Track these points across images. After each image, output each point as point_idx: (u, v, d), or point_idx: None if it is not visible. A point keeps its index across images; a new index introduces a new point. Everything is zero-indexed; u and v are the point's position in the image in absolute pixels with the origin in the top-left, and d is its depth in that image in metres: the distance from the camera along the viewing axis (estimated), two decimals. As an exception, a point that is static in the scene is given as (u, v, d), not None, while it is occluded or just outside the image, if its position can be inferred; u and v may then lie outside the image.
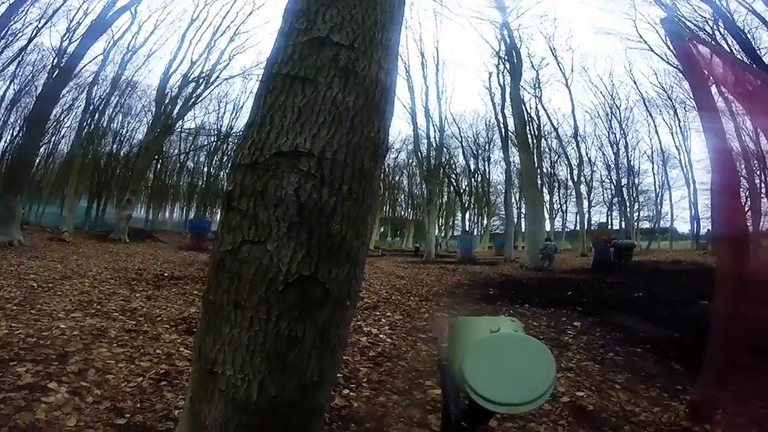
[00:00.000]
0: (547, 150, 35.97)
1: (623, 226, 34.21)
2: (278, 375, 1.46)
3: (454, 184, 41.72)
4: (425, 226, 25.43)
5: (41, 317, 4.70)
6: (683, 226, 39.10)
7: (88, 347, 3.83)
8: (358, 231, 1.56)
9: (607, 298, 7.59)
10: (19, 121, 25.19)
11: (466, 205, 42.89)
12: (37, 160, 23.39)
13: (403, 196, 50.23)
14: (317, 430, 1.79)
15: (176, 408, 2.81)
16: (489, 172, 42.44)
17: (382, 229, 47.61)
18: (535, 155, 25.48)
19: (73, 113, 26.50)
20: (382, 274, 12.53)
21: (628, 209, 35.69)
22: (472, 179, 42.70)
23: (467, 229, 40.50)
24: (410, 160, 41.53)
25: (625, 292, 8.29)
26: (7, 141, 26.68)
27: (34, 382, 2.98)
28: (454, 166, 41.16)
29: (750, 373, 3.20)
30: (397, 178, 47.18)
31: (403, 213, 51.79)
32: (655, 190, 37.48)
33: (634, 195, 37.02)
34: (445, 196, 43.48)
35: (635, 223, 37.00)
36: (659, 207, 37.70)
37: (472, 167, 42.02)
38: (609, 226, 32.13)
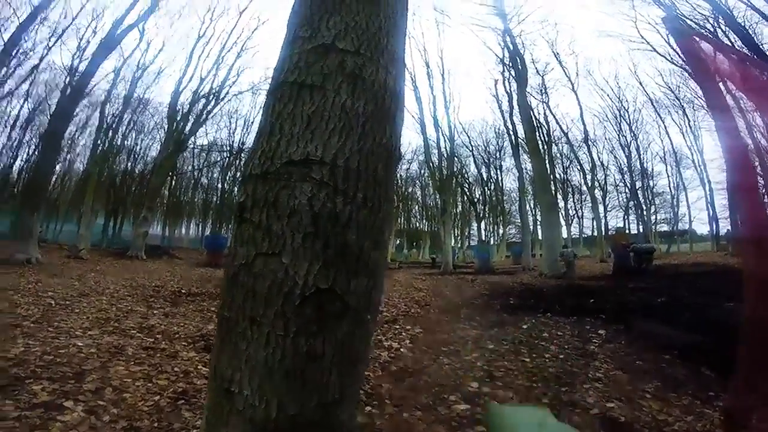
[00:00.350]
0: (558, 155, 35.71)
1: (641, 229, 33.73)
2: (298, 393, 1.40)
3: (468, 193, 41.57)
4: (441, 237, 25.29)
5: (58, 335, 4.70)
6: (702, 227, 38.55)
7: (105, 365, 3.81)
8: (376, 241, 1.51)
9: (630, 304, 7.37)
10: (34, 140, 25.78)
11: (481, 214, 42.54)
12: (54, 179, 23.82)
13: (417, 207, 50.19)
14: None
15: (194, 427, 2.78)
16: (502, 179, 42.22)
17: (398, 241, 47.60)
18: (546, 161, 25.34)
19: (88, 131, 27.09)
20: (400, 286, 12.42)
21: (644, 212, 35.19)
22: (486, 188, 42.48)
23: (483, 238, 40.25)
24: (422, 171, 41.49)
25: (648, 298, 8.04)
26: (24, 160, 27.40)
27: (50, 400, 2.95)
28: (466, 175, 41.06)
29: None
30: (410, 189, 47.19)
31: (417, 224, 51.75)
32: (671, 191, 36.85)
33: (650, 197, 36.45)
34: (459, 206, 43.36)
35: (653, 227, 36.48)
36: (676, 209, 37.07)
37: (485, 176, 41.80)
38: (627, 231, 31.73)
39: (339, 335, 1.41)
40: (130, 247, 20.55)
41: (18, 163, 26.34)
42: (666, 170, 36.43)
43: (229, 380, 1.43)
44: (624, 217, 38.81)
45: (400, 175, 40.64)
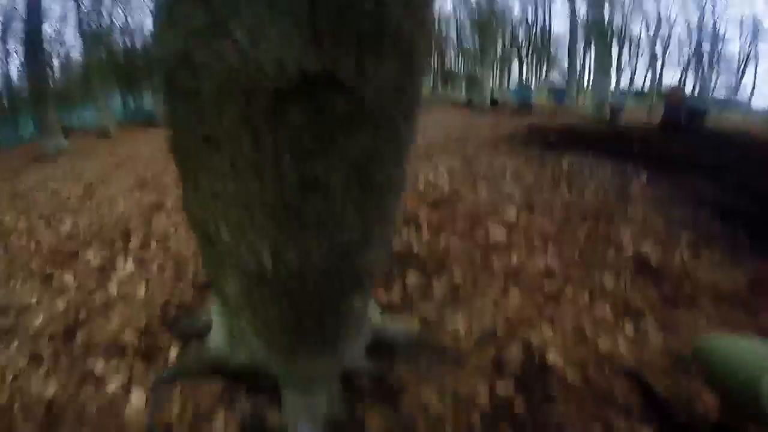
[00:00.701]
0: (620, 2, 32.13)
1: (698, 92, 31.57)
2: (296, 238, 1.01)
3: (510, 34, 38.29)
4: (477, 78, 23.84)
5: (101, 205, 4.96)
6: (762, 102, 35.99)
7: (148, 221, 4.08)
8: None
9: (674, 156, 6.96)
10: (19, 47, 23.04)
11: (524, 58, 39.78)
12: (57, 70, 22.59)
13: (452, 51, 46.69)
14: (366, 294, 1.48)
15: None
16: (550, 22, 38.63)
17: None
18: (606, 6, 22.81)
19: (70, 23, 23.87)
20: (434, 122, 11.89)
21: (705, 75, 32.67)
22: (532, 30, 39.08)
23: (524, 81, 38.16)
24: (458, 11, 37.69)
25: (693, 154, 7.47)
26: (16, 67, 25.42)
27: (103, 263, 3.23)
28: (510, 16, 37.51)
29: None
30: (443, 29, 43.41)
31: (453, 67, 48.80)
32: (739, 59, 33.38)
33: (715, 61, 33.53)
34: (500, 47, 40.38)
35: (711, 92, 34.09)
36: (740, 78, 34.17)
37: (530, 17, 38.27)
38: (684, 90, 29.68)
39: (350, 150, 0.93)
40: (155, 117, 19.15)
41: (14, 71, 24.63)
42: (740, 37, 33.12)
43: (204, 222, 1.08)
44: (681, 77, 36.09)
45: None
